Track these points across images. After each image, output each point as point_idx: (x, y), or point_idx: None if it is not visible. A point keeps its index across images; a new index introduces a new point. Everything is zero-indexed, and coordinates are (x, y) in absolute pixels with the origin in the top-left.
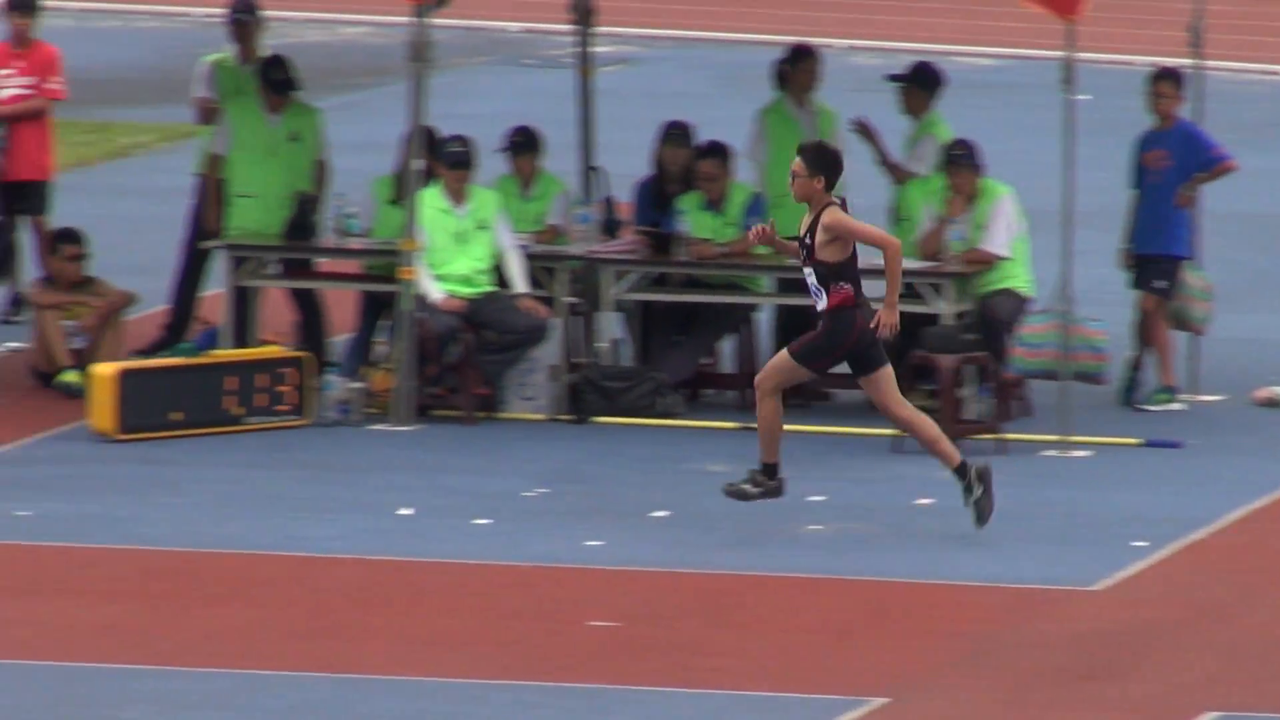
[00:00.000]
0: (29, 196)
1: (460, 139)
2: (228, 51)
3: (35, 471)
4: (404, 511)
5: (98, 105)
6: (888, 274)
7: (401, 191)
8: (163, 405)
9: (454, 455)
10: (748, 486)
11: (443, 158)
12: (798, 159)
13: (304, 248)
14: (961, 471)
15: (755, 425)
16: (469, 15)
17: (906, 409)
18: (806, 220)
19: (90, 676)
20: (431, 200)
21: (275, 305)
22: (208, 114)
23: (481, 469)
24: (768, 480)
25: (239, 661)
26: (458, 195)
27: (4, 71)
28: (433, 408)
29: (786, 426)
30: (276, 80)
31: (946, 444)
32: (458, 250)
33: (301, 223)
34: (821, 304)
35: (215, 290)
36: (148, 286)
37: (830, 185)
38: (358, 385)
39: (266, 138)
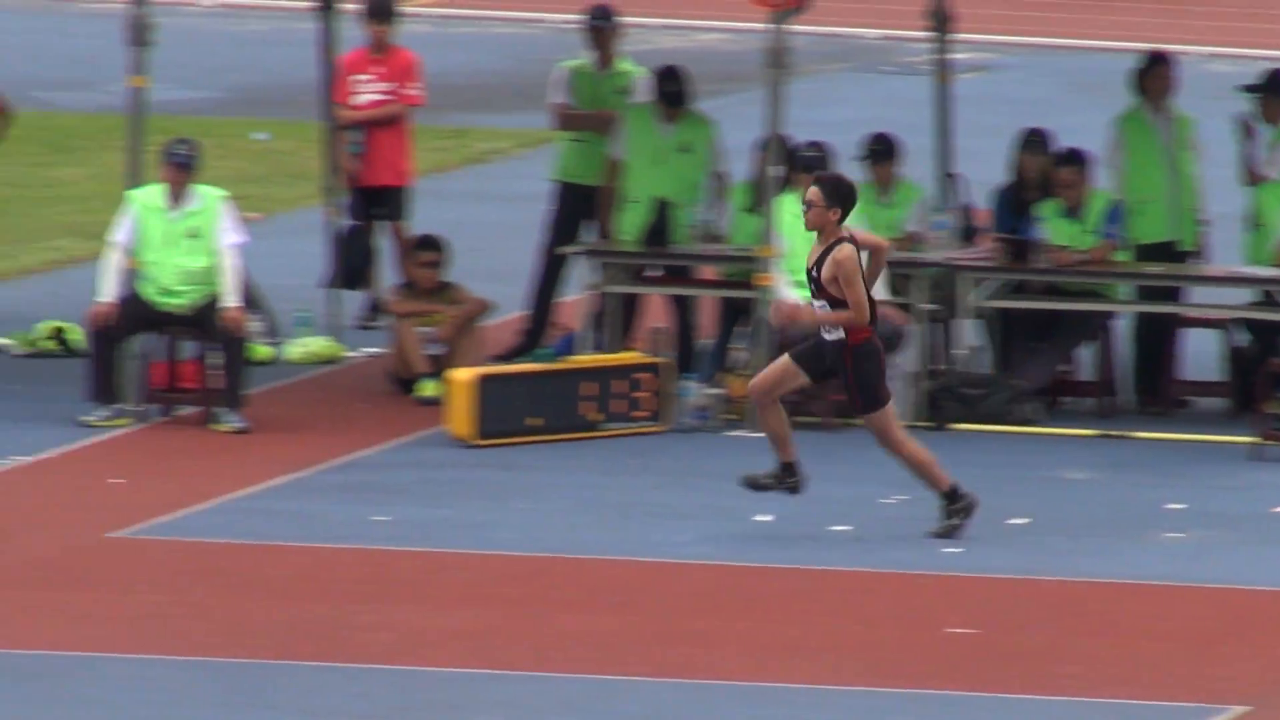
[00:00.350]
0: (387, 202)
1: (815, 145)
2: (585, 57)
3: (393, 477)
4: (761, 518)
5: (455, 111)
6: (838, 318)
7: (758, 198)
8: (520, 411)
9: (812, 461)
10: (955, 521)
11: (797, 163)
12: (814, 188)
13: (660, 254)
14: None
15: (1114, 433)
16: (827, 22)
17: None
18: (816, 251)
19: (443, 681)
20: (790, 206)
21: (651, 312)
22: (565, 120)
23: (839, 475)
24: (959, 503)
25: (592, 667)
26: None
27: (362, 77)
28: (791, 414)
29: (1143, 434)
30: (670, 92)
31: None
32: None
33: (662, 229)
34: (836, 335)
35: (573, 296)
36: (505, 292)
37: (844, 217)
38: (716, 391)
39: (656, 146)
